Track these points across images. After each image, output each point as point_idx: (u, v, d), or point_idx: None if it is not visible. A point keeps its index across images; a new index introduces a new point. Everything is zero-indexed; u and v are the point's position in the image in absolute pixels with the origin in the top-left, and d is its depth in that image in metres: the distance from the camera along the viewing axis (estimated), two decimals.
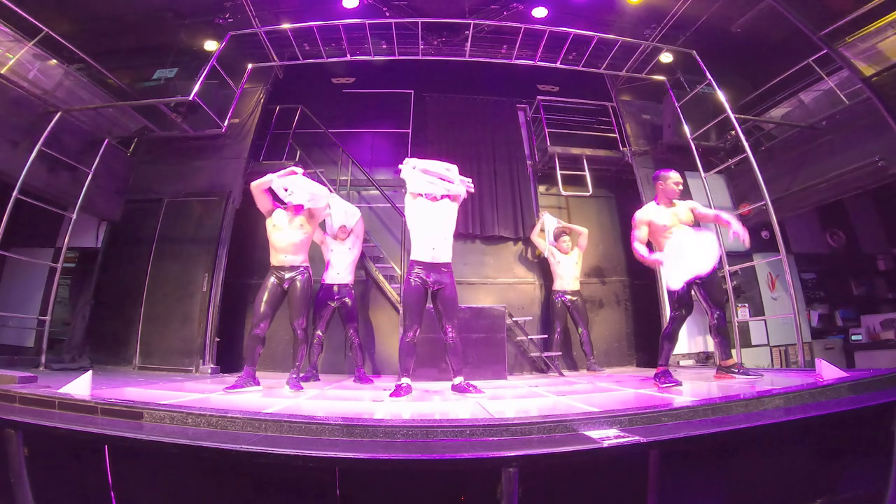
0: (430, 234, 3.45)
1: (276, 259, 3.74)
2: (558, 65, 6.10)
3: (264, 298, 3.62)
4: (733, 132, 5.33)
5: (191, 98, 5.01)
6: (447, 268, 3.49)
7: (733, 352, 4.50)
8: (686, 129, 5.69)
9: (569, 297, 5.74)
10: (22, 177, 4.47)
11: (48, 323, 4.84)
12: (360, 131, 7.07)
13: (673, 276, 3.40)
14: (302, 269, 3.74)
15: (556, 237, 5.92)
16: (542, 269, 6.46)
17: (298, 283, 3.68)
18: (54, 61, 4.97)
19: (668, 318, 3.90)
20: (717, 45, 6.04)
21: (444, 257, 3.48)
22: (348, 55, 6.04)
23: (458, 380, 3.41)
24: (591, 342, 5.66)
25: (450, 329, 3.42)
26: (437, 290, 3.43)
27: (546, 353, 5.81)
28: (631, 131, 6.71)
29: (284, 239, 3.73)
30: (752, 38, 6.08)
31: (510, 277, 6.47)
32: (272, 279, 3.69)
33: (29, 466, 1.94)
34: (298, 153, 6.34)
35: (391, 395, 3.21)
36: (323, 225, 4.92)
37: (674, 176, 3.71)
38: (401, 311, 3.43)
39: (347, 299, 4.85)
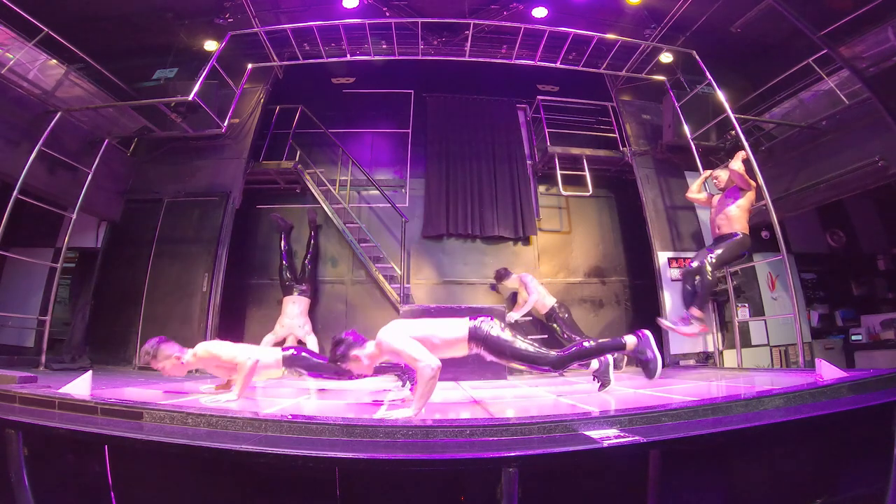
0: None
1: None
2: (558, 65, 6.09)
3: None
4: (733, 132, 5.33)
5: (191, 98, 5.00)
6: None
7: (735, 353, 4.52)
8: (686, 129, 5.69)
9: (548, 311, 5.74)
10: (22, 177, 4.46)
11: (48, 323, 4.84)
12: (360, 131, 7.07)
13: None
14: None
15: (498, 280, 5.91)
16: (542, 269, 6.47)
17: None
18: (54, 61, 4.96)
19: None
20: (717, 45, 6.04)
21: None
22: (348, 55, 6.04)
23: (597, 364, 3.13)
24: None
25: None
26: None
27: None
28: (631, 131, 6.71)
29: None
30: (752, 38, 6.09)
31: None
32: None
33: (29, 466, 1.94)
34: (298, 153, 6.34)
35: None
36: None
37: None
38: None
39: None
